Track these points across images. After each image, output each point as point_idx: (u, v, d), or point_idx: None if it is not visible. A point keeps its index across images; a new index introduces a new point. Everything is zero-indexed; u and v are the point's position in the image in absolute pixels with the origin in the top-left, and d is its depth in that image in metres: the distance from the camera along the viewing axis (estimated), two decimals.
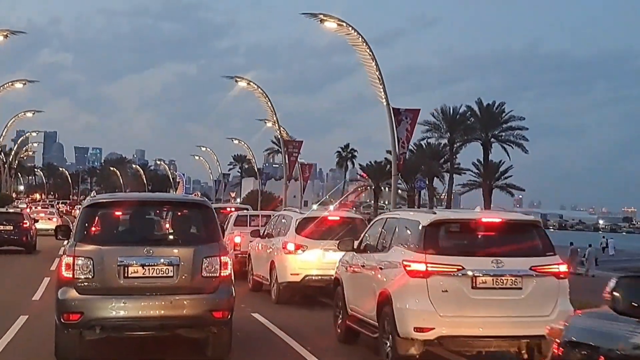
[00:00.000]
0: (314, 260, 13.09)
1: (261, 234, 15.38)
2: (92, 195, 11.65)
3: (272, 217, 16.11)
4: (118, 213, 8.73)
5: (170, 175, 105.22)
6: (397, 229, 8.78)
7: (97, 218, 8.51)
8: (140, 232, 8.62)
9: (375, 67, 23.87)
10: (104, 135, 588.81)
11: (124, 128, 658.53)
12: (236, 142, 62.97)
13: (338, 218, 13.70)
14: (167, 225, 9.09)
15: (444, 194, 63.49)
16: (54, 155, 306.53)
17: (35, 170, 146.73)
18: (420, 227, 8.03)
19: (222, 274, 8.24)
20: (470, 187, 60.67)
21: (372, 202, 72.98)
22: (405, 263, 7.87)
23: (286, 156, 39.17)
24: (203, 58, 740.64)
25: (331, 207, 16.56)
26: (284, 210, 15.75)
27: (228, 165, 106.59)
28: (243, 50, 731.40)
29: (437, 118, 57.30)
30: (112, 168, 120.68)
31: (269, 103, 38.61)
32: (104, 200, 8.88)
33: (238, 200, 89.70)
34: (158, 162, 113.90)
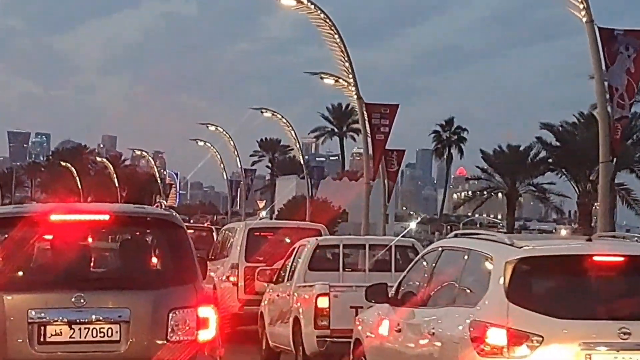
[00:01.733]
0: None
1: (393, 296, 11.02)
2: None
3: (422, 255, 11.53)
4: (31, 237, 8.97)
5: (157, 174, 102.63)
6: None
7: None
8: (67, 268, 8.81)
9: None
10: (53, 113, 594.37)
11: (83, 103, 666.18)
12: (267, 114, 60.29)
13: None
14: (112, 257, 9.81)
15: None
16: None
17: None
18: None
19: (199, 338, 8.53)
20: None
21: (505, 216, 66.46)
22: None
23: (369, 132, 35.39)
24: None
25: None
26: (464, 236, 10.93)
27: (250, 156, 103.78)
28: None
29: None
30: (64, 163, 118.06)
31: (335, 36, 34.66)
32: (6, 216, 9.25)
33: (264, 213, 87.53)
34: (138, 153, 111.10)
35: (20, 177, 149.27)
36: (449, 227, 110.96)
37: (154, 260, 9.26)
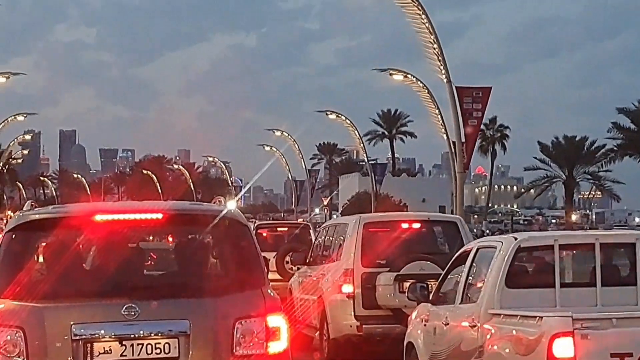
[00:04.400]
0: None
1: None
2: (25, 208, 6.77)
3: None
4: (74, 241, 7.05)
5: (228, 179, 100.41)
6: None
7: (32, 252, 6.97)
8: (116, 275, 6.87)
9: None
10: (137, 132, 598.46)
11: (163, 122, 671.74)
12: (332, 116, 56.45)
13: None
14: (167, 261, 8.07)
15: None
16: (74, 162, 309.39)
17: (44, 179, 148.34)
18: None
19: (269, 351, 6.64)
20: None
21: (564, 206, 59.69)
22: None
23: (460, 117, 29.05)
24: (264, 25, 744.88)
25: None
26: None
27: (310, 159, 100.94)
28: (316, 11, 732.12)
29: None
30: (145, 171, 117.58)
31: (422, 16, 28.91)
32: (46, 217, 7.17)
33: (317, 210, 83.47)
34: (210, 160, 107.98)
35: (109, 186, 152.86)
36: (474, 217, 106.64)
37: (215, 263, 7.17)
